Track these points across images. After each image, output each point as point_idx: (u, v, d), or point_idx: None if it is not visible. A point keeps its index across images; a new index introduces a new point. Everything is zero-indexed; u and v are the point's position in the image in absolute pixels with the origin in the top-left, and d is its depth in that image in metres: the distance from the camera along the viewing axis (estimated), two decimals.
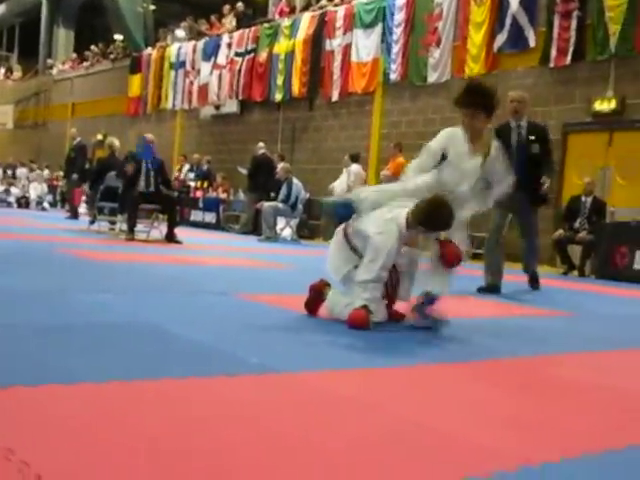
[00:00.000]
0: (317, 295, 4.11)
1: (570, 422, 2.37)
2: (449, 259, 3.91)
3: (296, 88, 17.27)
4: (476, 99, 4.08)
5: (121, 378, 2.41)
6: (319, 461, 1.77)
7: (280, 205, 13.26)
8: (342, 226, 4.14)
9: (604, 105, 11.74)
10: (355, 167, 13.93)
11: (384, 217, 3.84)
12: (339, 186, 14.00)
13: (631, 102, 11.62)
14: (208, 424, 2.01)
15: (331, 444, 1.92)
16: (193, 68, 21.01)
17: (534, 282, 7.14)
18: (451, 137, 4.16)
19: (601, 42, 11.76)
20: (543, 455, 1.94)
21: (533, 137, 6.57)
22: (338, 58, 16.35)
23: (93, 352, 2.83)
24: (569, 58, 12.14)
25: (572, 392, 2.88)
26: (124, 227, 10.40)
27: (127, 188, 10.17)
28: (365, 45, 15.74)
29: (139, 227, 10.40)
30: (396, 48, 15.05)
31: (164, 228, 10.30)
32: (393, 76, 15.16)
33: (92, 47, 27.19)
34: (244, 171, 15.18)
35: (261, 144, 15.17)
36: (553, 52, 12.34)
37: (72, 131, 17.85)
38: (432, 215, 3.73)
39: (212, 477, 1.62)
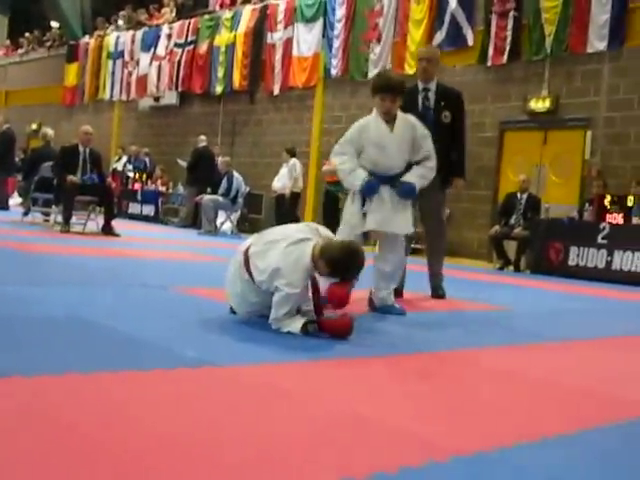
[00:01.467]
0: None
1: (502, 412, 2.43)
2: (332, 300, 3.59)
3: (237, 81, 17.17)
4: (395, 85, 4.55)
5: (54, 372, 2.37)
6: (255, 452, 1.78)
7: (220, 199, 13.18)
8: (244, 247, 3.81)
9: (539, 104, 12.02)
10: (294, 160, 13.93)
11: (290, 257, 3.48)
12: (279, 181, 13.98)
13: (564, 101, 11.93)
14: (144, 418, 1.99)
15: (268, 435, 1.93)
16: (132, 58, 20.68)
17: (438, 290, 5.72)
18: (361, 126, 4.68)
19: (537, 42, 12.03)
20: (476, 445, 1.98)
21: (444, 103, 5.55)
22: (279, 52, 16.32)
23: (25, 346, 2.78)
24: (506, 57, 12.39)
25: (503, 383, 2.95)
26: (59, 219, 10.18)
27: (62, 179, 9.95)
28: (306, 39, 15.76)
29: (75, 219, 10.20)
30: (337, 43, 15.10)
31: (101, 220, 10.13)
32: (334, 71, 15.21)
33: (27, 34, 26.47)
34: (184, 164, 15.03)
35: (202, 137, 15.03)
36: (490, 51, 12.57)
37: None
38: (344, 264, 3.45)
39: (147, 470, 1.61)
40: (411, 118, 4.66)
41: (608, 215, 9.64)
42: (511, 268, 10.61)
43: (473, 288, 7.26)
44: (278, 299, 3.51)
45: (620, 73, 11.37)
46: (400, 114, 4.60)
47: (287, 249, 3.51)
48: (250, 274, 3.66)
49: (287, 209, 13.65)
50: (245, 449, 1.80)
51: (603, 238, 9.51)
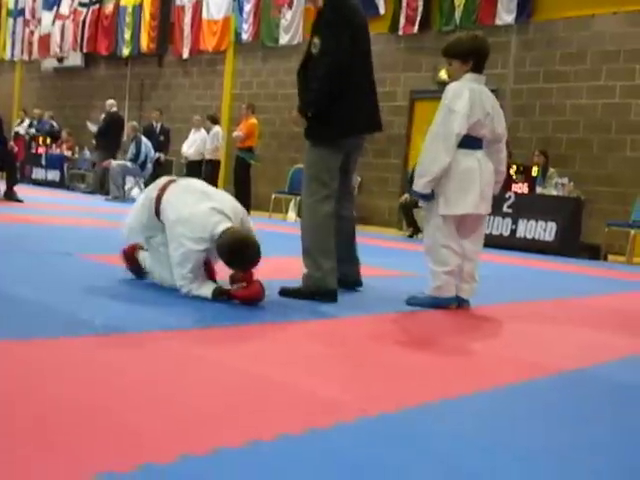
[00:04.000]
0: (132, 261, 3.91)
1: (407, 376, 2.49)
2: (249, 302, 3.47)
3: (145, 43, 16.73)
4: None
5: None
6: (163, 417, 1.77)
7: (129, 164, 12.88)
8: (158, 186, 3.69)
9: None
10: (218, 128, 13.75)
11: (206, 219, 3.41)
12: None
13: None
14: (52, 385, 1.95)
15: (179, 398, 1.92)
16: (33, 17, 19.84)
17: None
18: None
19: (447, 13, 12.19)
20: (380, 406, 2.03)
21: (314, 29, 4.07)
22: (188, 14, 15.97)
23: None
24: (417, 27, 12.51)
25: (411, 349, 3.02)
26: None
27: None
28: (216, 2, 15.47)
29: None
30: (248, 7, 14.89)
31: (3, 186, 9.75)
32: (245, 36, 15.01)
33: None
34: (94, 128, 14.56)
35: (112, 101, 14.61)
36: (402, 20, 12.67)
37: None
38: (237, 254, 3.39)
39: (56, 435, 1.58)
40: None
41: (514, 185, 9.93)
42: (421, 236, 10.81)
43: (383, 255, 7.37)
44: (178, 258, 3.45)
45: (527, 46, 11.66)
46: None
47: (211, 211, 3.45)
48: (158, 210, 3.60)
49: (207, 177, 13.50)
50: (154, 414, 1.79)
51: (508, 207, 9.80)
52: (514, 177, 10.09)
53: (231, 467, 1.51)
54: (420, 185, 3.88)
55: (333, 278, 3.95)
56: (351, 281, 4.36)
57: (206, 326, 2.98)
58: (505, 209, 9.82)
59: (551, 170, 10.31)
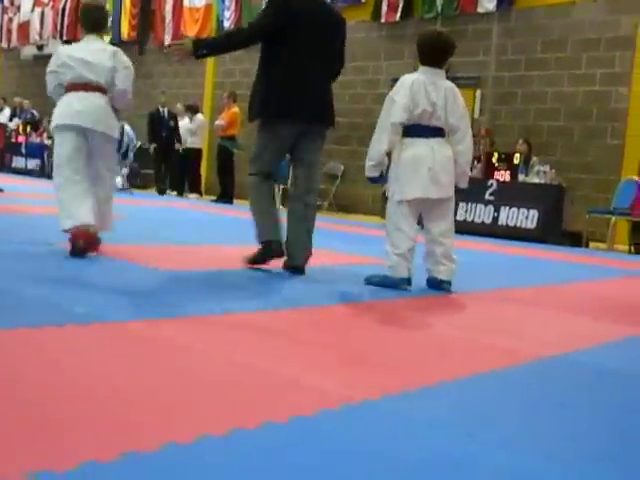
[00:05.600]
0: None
1: (388, 363, 2.51)
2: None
3: (125, 31, 16.62)
4: None
5: None
6: (149, 404, 1.77)
7: None
8: None
9: None
10: (201, 116, 13.74)
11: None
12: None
13: (455, 60, 12.13)
14: (34, 374, 1.94)
15: (164, 388, 1.92)
16: (12, 4, 19.61)
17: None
18: None
19: (429, 1, 12.19)
20: (364, 393, 2.04)
21: None
22: (170, 1, 15.86)
23: None
24: (399, 15, 12.50)
25: (389, 335, 3.04)
26: None
27: None
28: None
29: None
30: None
31: None
32: (227, 23, 14.93)
33: None
34: None
35: None
36: (384, 8, 12.65)
37: None
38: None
39: (46, 425, 1.58)
40: None
41: (496, 172, 9.97)
42: None
43: (365, 243, 7.39)
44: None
45: (508, 34, 11.69)
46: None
47: None
48: None
49: (190, 166, 13.48)
50: (137, 403, 1.79)
51: (490, 195, 9.85)
52: (496, 165, 10.14)
53: (214, 455, 1.51)
54: (367, 169, 4.21)
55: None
56: (296, 265, 4.44)
57: (190, 314, 2.97)
58: (487, 197, 9.86)
59: (533, 158, 10.36)
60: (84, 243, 4.19)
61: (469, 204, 10.02)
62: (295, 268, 4.43)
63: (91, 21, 4.74)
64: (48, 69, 4.70)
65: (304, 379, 2.15)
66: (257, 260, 4.37)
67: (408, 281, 4.16)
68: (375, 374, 2.31)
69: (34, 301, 2.91)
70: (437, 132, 4.17)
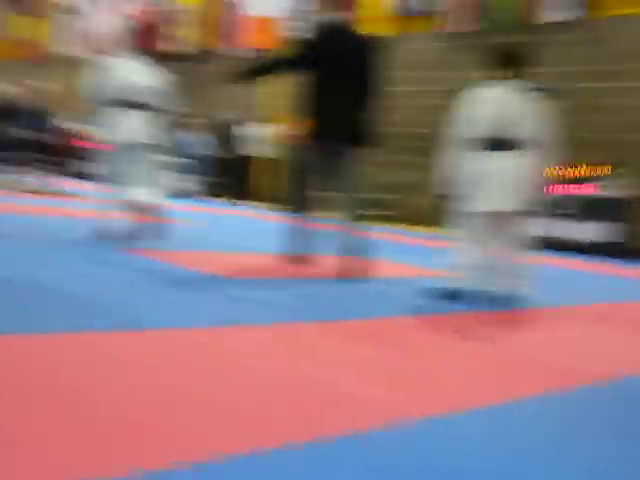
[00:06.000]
0: None
1: (453, 378, 2.48)
2: None
3: (198, 40, 16.91)
4: None
5: (9, 332, 2.36)
6: (203, 414, 1.79)
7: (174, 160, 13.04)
8: None
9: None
10: (271, 126, 13.88)
11: None
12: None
13: (535, 71, 11.92)
14: (83, 377, 1.99)
15: (222, 398, 1.94)
16: (93, 15, 20.14)
17: None
18: None
19: (494, 12, 12.05)
20: (427, 410, 2.03)
21: None
22: (240, 11, 16.07)
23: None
24: (464, 26, 12.37)
25: (454, 350, 3.00)
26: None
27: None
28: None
29: (19, 176, 10.00)
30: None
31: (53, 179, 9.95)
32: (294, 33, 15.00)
33: None
34: None
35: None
36: (453, 18, 12.53)
37: None
38: None
39: (92, 430, 1.62)
40: None
41: (576, 186, 9.79)
42: None
43: (427, 254, 7.31)
44: None
45: (594, 44, 11.38)
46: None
47: None
48: None
49: (262, 174, 13.65)
50: (191, 414, 1.82)
51: (571, 209, 9.64)
52: (577, 178, 9.93)
53: (269, 467, 1.52)
54: (436, 184, 4.22)
55: None
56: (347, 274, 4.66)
57: (259, 323, 2.99)
58: (568, 211, 9.67)
59: (616, 171, 10.08)
60: None
61: (546, 219, 9.83)
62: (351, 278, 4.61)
63: None
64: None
65: (365, 393, 2.14)
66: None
67: (474, 294, 4.10)
68: (437, 390, 2.29)
69: (99, 305, 2.99)
70: (511, 145, 4.05)
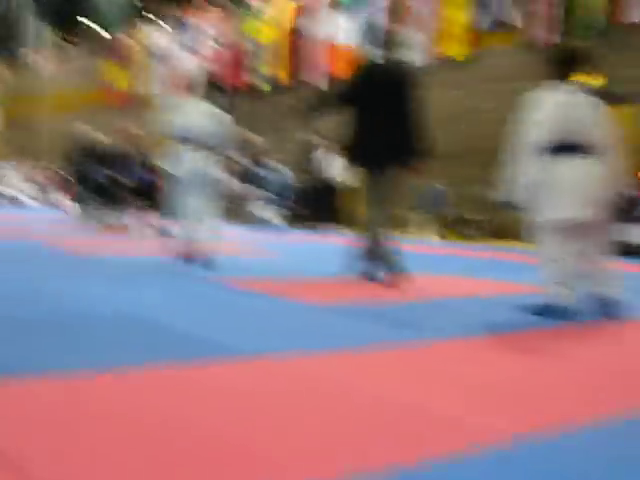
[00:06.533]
0: None
1: (560, 397, 2.41)
2: None
3: (282, 76, 17.26)
4: None
5: (113, 368, 2.43)
6: (301, 439, 1.80)
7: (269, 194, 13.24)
8: None
9: (590, 81, 11.72)
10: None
11: None
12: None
13: (615, 76, 11.64)
14: (200, 411, 2.03)
15: (314, 424, 1.94)
16: (174, 57, 20.88)
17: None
18: None
19: (584, 18, 11.77)
20: (532, 430, 1.97)
21: None
22: (322, 44, 16.32)
23: (98, 343, 2.85)
24: (553, 36, 12.14)
25: (558, 367, 2.91)
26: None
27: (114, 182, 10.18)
28: (347, 29, 15.70)
29: (127, 220, 10.38)
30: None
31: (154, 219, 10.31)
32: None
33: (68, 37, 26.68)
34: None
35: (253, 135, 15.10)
36: (536, 31, 12.34)
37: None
38: None
39: (219, 457, 1.65)
40: None
41: None
42: None
43: (519, 270, 7.14)
44: None
45: None
46: None
47: None
48: None
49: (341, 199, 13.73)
50: (289, 439, 1.82)
51: None
52: None
53: None
54: (507, 193, 4.02)
55: None
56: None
57: (344, 348, 2.99)
58: None
59: None
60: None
61: (626, 224, 9.46)
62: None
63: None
64: None
65: (466, 416, 2.10)
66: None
67: (574, 309, 3.93)
68: (546, 408, 2.23)
69: (197, 338, 3.05)
70: (583, 150, 3.91)
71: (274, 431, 1.89)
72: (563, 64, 4.03)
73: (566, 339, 3.55)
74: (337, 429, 1.93)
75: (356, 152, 5.30)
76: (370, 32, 5.80)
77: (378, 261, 5.22)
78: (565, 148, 3.89)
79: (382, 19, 14.97)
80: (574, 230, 3.94)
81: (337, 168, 13.89)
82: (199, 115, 6.16)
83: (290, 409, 2.11)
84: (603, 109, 4.01)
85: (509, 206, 4.04)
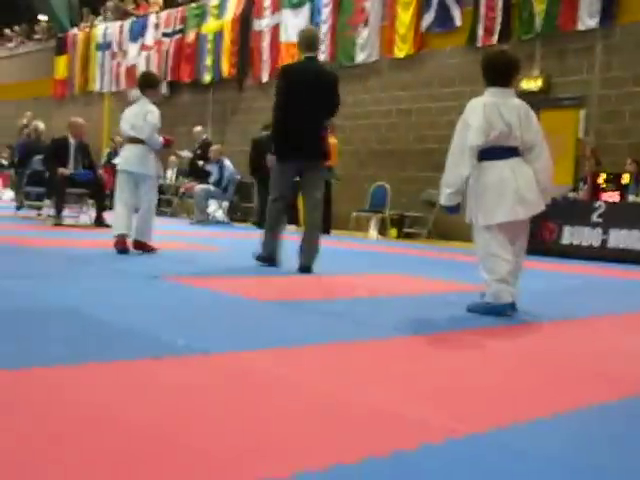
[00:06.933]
0: None
1: (498, 394, 2.40)
2: None
3: (225, 69, 17.07)
4: None
5: (43, 364, 2.33)
6: (248, 440, 1.74)
7: (212, 188, 13.11)
8: None
9: (531, 84, 11.95)
10: None
11: None
12: None
13: (557, 80, 11.87)
14: (135, 407, 1.96)
15: (258, 422, 1.89)
16: (120, 49, 20.55)
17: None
18: None
19: (527, 21, 11.96)
20: (469, 427, 1.95)
21: None
22: (267, 38, 16.21)
23: (21, 338, 2.73)
24: (496, 37, 12.31)
25: (502, 363, 2.92)
26: (52, 212, 10.13)
27: (53, 172, 9.91)
28: (294, 25, 15.62)
29: (67, 212, 10.15)
30: (324, 28, 14.98)
31: (93, 213, 10.09)
32: (322, 57, 15.10)
33: (15, 27, 26.23)
34: (188, 155, 14.79)
35: (200, 128, 14.93)
36: (480, 32, 12.49)
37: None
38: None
39: (143, 462, 1.57)
40: None
41: (604, 193, 9.61)
42: None
43: (467, 270, 7.22)
44: None
45: (613, 51, 11.31)
46: None
47: None
48: None
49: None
50: (237, 437, 1.77)
51: (598, 216, 9.48)
52: (603, 185, 9.77)
53: None
54: (445, 198, 4.09)
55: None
56: (306, 266, 5.67)
57: (287, 345, 2.95)
58: (594, 219, 9.50)
59: None
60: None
61: (575, 227, 9.68)
62: (305, 269, 5.62)
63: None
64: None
65: (406, 411, 2.07)
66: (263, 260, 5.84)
67: (512, 306, 4.04)
68: (481, 406, 2.21)
69: (136, 333, 2.96)
70: (514, 152, 4.05)
71: (211, 427, 1.82)
72: (495, 70, 4.12)
73: (503, 336, 3.57)
74: (280, 426, 1.87)
75: (280, 149, 5.78)
76: (299, 35, 6.04)
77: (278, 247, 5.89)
78: (498, 151, 4.01)
79: (326, 14, 14.99)
80: (509, 229, 4.04)
81: None
82: (136, 112, 6.57)
83: (224, 404, 2.05)
84: (532, 112, 4.15)
85: (448, 208, 4.11)
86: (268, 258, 5.85)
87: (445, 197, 4.08)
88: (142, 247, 6.54)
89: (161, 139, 6.64)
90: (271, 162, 5.85)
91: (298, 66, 6.09)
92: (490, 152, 4.01)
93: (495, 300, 3.99)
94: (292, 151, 5.70)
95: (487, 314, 3.98)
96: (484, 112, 3.97)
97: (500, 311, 3.99)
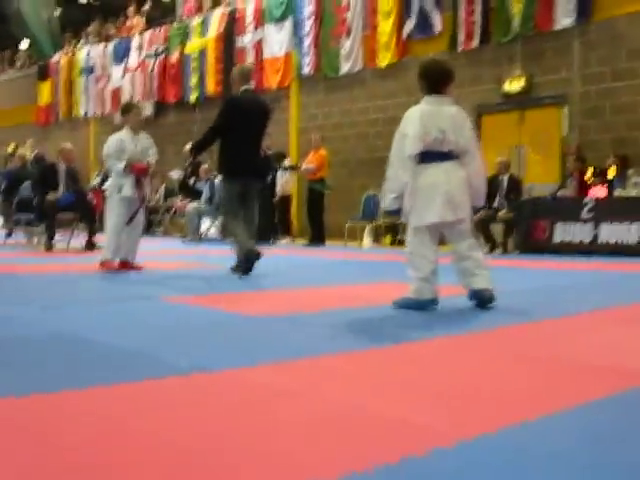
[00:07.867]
0: None
1: (502, 393, 2.41)
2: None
3: (211, 87, 17.14)
4: None
5: (47, 391, 2.33)
6: (254, 451, 1.75)
7: (203, 206, 13.12)
8: None
9: (513, 85, 12.05)
10: (287, 163, 14.05)
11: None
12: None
13: (538, 80, 11.96)
14: (138, 429, 1.96)
15: (267, 434, 1.90)
16: (104, 72, 20.58)
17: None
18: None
19: (505, 23, 12.06)
20: (478, 429, 1.96)
21: None
22: (251, 55, 16.28)
23: (17, 365, 2.73)
24: (476, 41, 12.41)
25: (503, 365, 2.93)
26: (42, 239, 10.12)
27: (42, 198, 9.91)
28: (277, 40, 15.72)
29: (58, 237, 10.14)
30: (307, 41, 15.08)
31: (84, 237, 10.08)
32: (306, 69, 15.18)
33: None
34: (178, 175, 14.79)
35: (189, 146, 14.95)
36: (461, 36, 12.59)
37: None
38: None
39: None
40: None
41: (591, 189, 9.68)
42: (499, 251, 10.61)
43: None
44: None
45: (590, 47, 11.41)
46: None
47: None
48: None
49: (281, 211, 13.70)
50: (241, 452, 1.77)
51: (588, 212, 9.54)
52: (590, 181, 9.84)
53: None
54: (387, 202, 4.43)
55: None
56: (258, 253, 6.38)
57: (288, 358, 2.96)
58: (584, 215, 9.56)
59: (629, 171, 9.99)
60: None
61: (566, 224, 9.74)
62: (258, 255, 6.33)
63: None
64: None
65: (411, 417, 2.08)
66: (247, 268, 6.29)
67: (434, 302, 4.28)
68: (485, 407, 2.23)
69: (136, 355, 2.96)
70: (449, 156, 4.29)
71: (217, 443, 1.83)
72: (430, 79, 4.39)
73: (502, 336, 3.59)
74: (289, 438, 1.88)
75: (229, 169, 6.64)
76: (237, 71, 6.96)
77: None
78: (433, 155, 4.26)
79: (309, 27, 15.06)
80: (442, 230, 4.37)
81: (278, 179, 13.88)
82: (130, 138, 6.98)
83: (229, 419, 2.05)
84: (468, 120, 4.45)
85: (391, 213, 4.49)
86: (245, 260, 6.27)
87: (389, 201, 4.38)
88: (129, 267, 6.87)
89: (125, 168, 6.84)
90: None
91: (244, 97, 6.75)
92: (426, 156, 4.26)
93: (418, 296, 4.26)
94: (240, 171, 6.54)
95: (409, 309, 4.23)
96: (420, 120, 4.24)
97: (422, 306, 4.25)
